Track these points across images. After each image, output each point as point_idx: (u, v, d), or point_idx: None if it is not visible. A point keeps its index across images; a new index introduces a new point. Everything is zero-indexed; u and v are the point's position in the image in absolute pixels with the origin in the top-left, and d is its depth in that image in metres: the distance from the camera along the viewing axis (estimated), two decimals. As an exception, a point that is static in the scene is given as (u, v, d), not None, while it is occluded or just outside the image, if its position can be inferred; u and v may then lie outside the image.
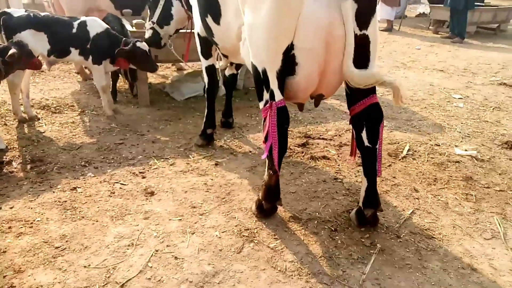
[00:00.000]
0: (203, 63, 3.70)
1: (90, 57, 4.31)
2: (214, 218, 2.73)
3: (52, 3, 5.89)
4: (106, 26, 4.37)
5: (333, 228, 2.66)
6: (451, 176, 3.40)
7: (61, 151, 3.76)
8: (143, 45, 4.28)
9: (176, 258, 2.35)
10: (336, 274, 2.29)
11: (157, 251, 2.40)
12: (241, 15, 2.46)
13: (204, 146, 3.86)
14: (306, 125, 4.44)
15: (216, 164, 3.51)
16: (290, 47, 2.16)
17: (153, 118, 4.61)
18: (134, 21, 4.71)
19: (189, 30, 4.49)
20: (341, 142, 3.97)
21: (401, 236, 2.64)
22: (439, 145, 3.97)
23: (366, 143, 2.43)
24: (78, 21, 4.26)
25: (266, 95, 2.33)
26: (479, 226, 2.79)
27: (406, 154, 3.75)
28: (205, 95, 3.83)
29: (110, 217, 2.71)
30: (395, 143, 3.98)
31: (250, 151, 3.81)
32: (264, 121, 2.39)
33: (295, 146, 3.87)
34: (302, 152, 3.75)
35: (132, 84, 5.13)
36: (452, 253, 2.50)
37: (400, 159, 3.67)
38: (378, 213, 2.65)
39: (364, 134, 2.43)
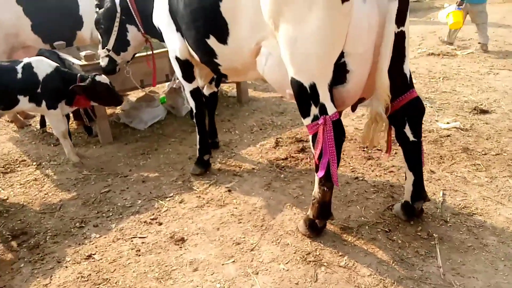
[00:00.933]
0: (187, 87, 3.42)
1: (43, 103, 3.76)
2: (268, 250, 2.54)
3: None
4: (55, 64, 3.86)
5: (386, 229, 2.63)
6: (451, 151, 3.56)
7: (42, 216, 3.24)
8: (103, 78, 3.85)
9: (257, 305, 2.13)
10: (417, 275, 2.26)
11: (229, 303, 2.16)
12: (260, 30, 2.29)
13: (203, 173, 3.59)
14: (291, 129, 4.36)
15: (229, 191, 3.28)
16: (341, 55, 2.05)
17: (126, 154, 4.19)
18: (83, 53, 4.20)
19: (149, 53, 4.15)
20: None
21: (448, 220, 2.70)
22: (423, 123, 4.14)
23: (412, 138, 2.43)
24: (21, 64, 3.70)
25: (314, 110, 2.19)
26: (502, 192, 2.96)
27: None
28: (194, 120, 3.55)
29: (156, 279, 2.38)
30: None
31: (253, 168, 3.63)
32: (315, 137, 2.25)
33: (295, 153, 3.78)
34: (306, 158, 3.67)
35: (87, 124, 4.60)
36: (498, 225, 2.61)
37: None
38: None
39: (407, 130, 2.42)
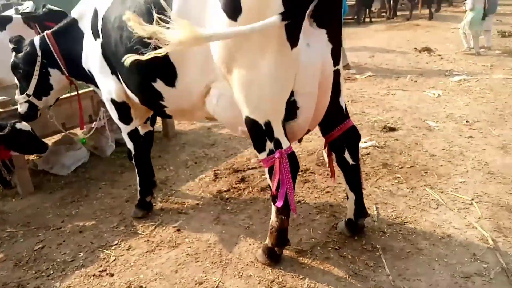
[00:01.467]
0: (124, 129, 3.36)
1: (-46, 157, 3.39)
2: (232, 285, 2.58)
3: None
4: (-34, 114, 3.51)
5: (336, 247, 2.86)
6: (373, 167, 3.98)
7: (-33, 286, 2.88)
8: (24, 125, 3.62)
9: None
10: (372, 285, 2.50)
11: None
12: (210, 73, 2.40)
13: (145, 216, 3.51)
14: (226, 160, 4.47)
15: (178, 230, 3.26)
16: (291, 94, 2.25)
17: (53, 204, 3.91)
18: (-2, 99, 3.88)
19: (73, 94, 3.98)
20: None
21: (385, 230, 3.02)
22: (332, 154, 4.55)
23: (351, 161, 2.70)
24: None
25: (270, 145, 2.34)
26: (423, 200, 3.40)
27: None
28: (133, 162, 3.48)
29: (124, 335, 2.28)
30: (312, 152, 4.39)
31: (197, 203, 3.65)
32: (271, 170, 2.40)
33: (237, 184, 3.89)
34: (248, 187, 3.80)
35: (7, 176, 4.20)
36: (426, 229, 3.00)
37: (326, 166, 4.08)
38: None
39: (347, 155, 2.69)
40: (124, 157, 4.85)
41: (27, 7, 13.95)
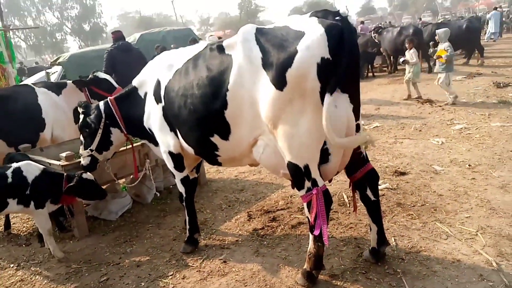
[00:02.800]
0: (178, 176, 3.99)
1: (32, 203, 4.00)
2: (279, 302, 3.09)
3: None
4: (42, 166, 4.17)
5: (363, 272, 3.37)
6: (389, 206, 4.53)
7: (49, 312, 3.40)
8: (89, 176, 4.25)
9: None
10: (396, 301, 2.99)
11: None
12: (257, 128, 3.06)
13: (193, 251, 4.05)
14: (256, 203, 5.05)
15: (224, 262, 3.78)
16: (324, 143, 2.90)
17: (109, 244, 4.47)
18: (64, 154, 4.56)
19: (124, 148, 4.66)
20: (298, 208, 4.73)
21: (404, 257, 3.53)
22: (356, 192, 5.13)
23: (372, 198, 3.29)
24: (11, 170, 3.97)
25: (307, 184, 2.95)
26: (434, 233, 3.92)
27: (350, 200, 4.76)
28: (184, 204, 4.07)
29: None
30: (334, 194, 4.96)
31: (237, 240, 4.19)
32: (309, 205, 2.99)
33: (269, 223, 4.44)
34: (280, 225, 4.35)
35: (70, 219, 4.80)
36: (439, 256, 3.51)
37: (347, 205, 4.65)
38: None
39: (369, 192, 3.28)
40: (163, 203, 5.48)
41: (56, 70, 15.19)
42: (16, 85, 7.68)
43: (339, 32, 2.71)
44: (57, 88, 5.72)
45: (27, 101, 5.28)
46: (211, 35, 15.69)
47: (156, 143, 4.14)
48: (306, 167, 2.91)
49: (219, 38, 13.37)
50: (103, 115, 4.18)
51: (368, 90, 12.72)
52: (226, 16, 73.33)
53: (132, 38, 15.39)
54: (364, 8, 70.41)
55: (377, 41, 15.34)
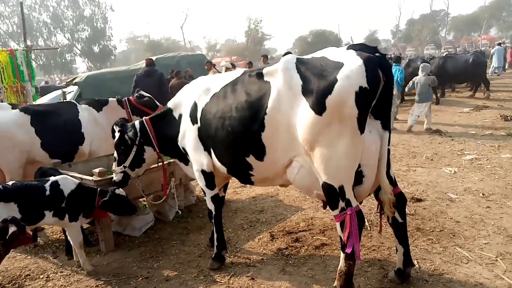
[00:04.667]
0: (209, 194, 4.16)
1: (67, 216, 4.16)
2: (310, 317, 3.21)
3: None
4: (77, 181, 4.35)
5: (390, 291, 3.49)
6: (408, 231, 4.61)
7: (84, 321, 3.50)
8: (121, 191, 4.41)
9: None
10: (424, 320, 3.11)
11: None
12: (293, 150, 3.26)
13: (220, 268, 4.17)
14: (277, 224, 5.19)
15: (252, 279, 3.91)
16: (358, 166, 3.10)
17: (135, 259, 4.59)
18: (97, 170, 4.74)
19: (153, 166, 4.85)
20: (320, 230, 4.87)
21: (427, 279, 3.66)
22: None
23: (400, 220, 3.45)
24: (49, 183, 4.14)
25: (341, 204, 3.12)
26: (455, 257, 4.05)
27: (370, 224, 4.90)
28: (213, 221, 4.23)
29: None
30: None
31: (262, 259, 4.32)
32: (342, 224, 3.15)
33: (293, 243, 4.57)
34: (303, 246, 4.49)
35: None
36: (461, 278, 3.64)
37: (368, 229, 4.78)
38: (408, 269, 3.62)
39: (396, 215, 3.45)
40: (184, 221, 5.62)
41: (72, 90, 15.54)
42: (60, 102, 8.27)
43: (376, 64, 2.96)
44: (98, 104, 6.04)
45: (69, 116, 5.63)
46: (225, 62, 16.10)
47: (186, 162, 4.34)
48: (341, 188, 3.09)
49: (232, 64, 13.80)
50: (138, 134, 4.39)
51: (377, 119, 12.95)
52: (233, 42, 74.88)
53: (146, 61, 15.84)
54: (368, 40, 71.83)
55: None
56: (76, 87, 14.87)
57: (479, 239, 4.41)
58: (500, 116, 11.42)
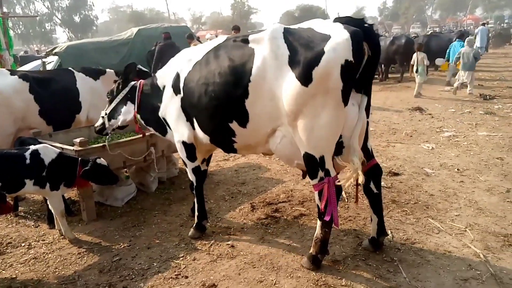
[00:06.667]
0: (190, 166, 4.20)
1: (47, 185, 4.16)
2: (287, 282, 3.35)
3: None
4: (58, 150, 4.34)
5: (363, 258, 3.65)
6: (384, 203, 4.75)
7: (66, 285, 3.59)
8: (103, 161, 4.42)
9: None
10: (393, 285, 3.29)
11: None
12: (276, 119, 3.30)
13: (200, 237, 4.27)
14: (258, 196, 5.30)
15: (232, 246, 4.02)
16: (340, 136, 3.18)
17: (117, 228, 4.65)
18: (78, 140, 4.72)
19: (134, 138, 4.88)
20: (299, 201, 5.00)
21: (400, 248, 3.83)
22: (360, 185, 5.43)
23: (375, 190, 3.58)
24: (29, 151, 4.12)
25: (321, 174, 3.21)
26: (427, 227, 4.23)
27: (347, 196, 5.05)
28: (194, 192, 4.29)
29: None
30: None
31: (242, 228, 4.43)
32: (320, 193, 3.26)
33: (272, 213, 4.69)
34: (282, 216, 4.61)
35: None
36: (431, 247, 3.82)
37: (345, 200, 4.93)
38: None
39: (372, 185, 3.57)
40: (166, 192, 5.68)
41: (53, 60, 15.18)
42: (57, 69, 8.19)
43: (361, 38, 3.00)
44: (95, 74, 6.04)
45: (67, 84, 5.64)
46: (210, 34, 15.86)
47: (163, 134, 4.36)
48: (322, 158, 3.18)
49: (217, 36, 13.60)
50: (128, 89, 4.43)
51: (360, 95, 13.09)
52: (218, 15, 73.44)
53: (129, 32, 15.47)
54: (354, 16, 71.31)
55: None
56: (56, 57, 14.49)
57: (451, 211, 4.60)
58: (480, 95, 11.67)
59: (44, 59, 14.99)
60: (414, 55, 12.40)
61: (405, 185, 5.38)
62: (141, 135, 4.87)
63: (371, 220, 3.73)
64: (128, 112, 4.50)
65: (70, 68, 6.23)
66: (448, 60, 13.54)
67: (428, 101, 11.38)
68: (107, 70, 6.26)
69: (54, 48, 15.03)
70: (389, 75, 16.67)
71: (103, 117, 4.58)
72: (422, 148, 7.12)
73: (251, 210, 4.86)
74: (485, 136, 7.70)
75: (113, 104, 4.50)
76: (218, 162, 6.92)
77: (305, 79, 3.03)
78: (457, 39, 13.92)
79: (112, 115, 4.55)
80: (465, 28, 34.67)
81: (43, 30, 54.67)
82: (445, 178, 5.63)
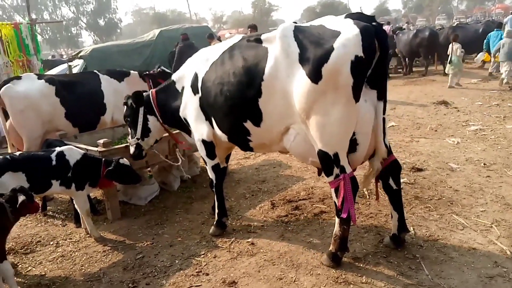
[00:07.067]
0: (209, 163, 4.25)
1: (73, 185, 4.29)
2: (306, 279, 3.35)
3: (7, 131, 5.54)
4: (83, 152, 4.47)
5: (384, 255, 3.61)
6: (407, 199, 4.74)
7: (92, 284, 3.69)
8: (125, 161, 4.52)
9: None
10: (415, 282, 3.23)
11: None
12: (289, 118, 3.31)
13: (221, 234, 4.31)
14: (278, 193, 5.30)
15: (252, 244, 4.04)
16: (353, 133, 3.15)
17: (141, 226, 4.75)
18: (101, 141, 4.85)
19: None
20: (319, 198, 4.98)
21: (422, 245, 3.76)
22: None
23: (394, 187, 3.53)
24: (55, 153, 4.25)
25: (336, 171, 3.19)
26: (451, 224, 4.14)
27: (369, 193, 4.99)
28: (214, 189, 4.34)
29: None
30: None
31: (262, 225, 4.45)
32: (336, 190, 3.24)
33: (292, 211, 4.69)
34: (303, 213, 4.61)
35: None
36: (455, 244, 3.73)
37: (366, 197, 4.88)
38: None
39: (391, 182, 3.52)
40: (188, 190, 5.76)
41: (78, 64, 15.60)
42: (82, 72, 8.46)
43: (372, 34, 2.97)
44: (119, 75, 6.21)
45: (92, 86, 5.82)
46: (230, 33, 15.95)
47: (189, 133, 4.42)
48: (336, 155, 3.16)
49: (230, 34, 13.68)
50: (143, 103, 4.47)
51: (383, 90, 12.88)
52: (239, 14, 73.68)
53: (151, 34, 15.74)
54: (378, 10, 70.08)
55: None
56: (81, 61, 14.89)
57: (476, 207, 4.48)
58: (509, 87, 11.28)
59: (70, 63, 15.45)
60: (450, 46, 12.38)
61: (429, 181, 5.27)
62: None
63: (392, 217, 3.68)
64: (154, 125, 4.56)
65: (95, 70, 6.40)
66: (488, 51, 13.40)
67: (454, 94, 11.09)
68: (131, 71, 6.41)
69: (80, 52, 15.45)
70: (414, 69, 16.33)
71: (136, 143, 4.57)
72: (447, 142, 6.95)
73: (271, 207, 4.88)
74: (514, 129, 7.45)
75: (139, 126, 4.49)
76: (239, 161, 6.97)
77: (315, 76, 3.02)
78: (496, 29, 13.81)
79: (143, 135, 4.56)
80: (493, 18, 33.48)
81: (69, 34, 56.14)
82: (470, 173, 5.48)
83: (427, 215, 4.34)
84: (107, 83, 5.99)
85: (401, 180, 5.03)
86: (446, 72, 12.65)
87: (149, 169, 6.14)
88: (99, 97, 5.85)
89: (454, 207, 4.50)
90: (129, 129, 4.66)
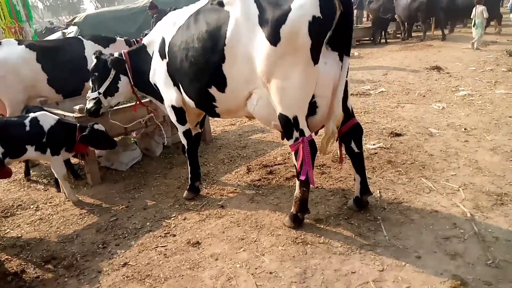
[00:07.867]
0: (181, 129, 4.29)
1: (48, 150, 4.36)
2: (266, 240, 3.45)
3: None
4: (57, 117, 4.52)
5: (346, 217, 3.69)
6: (379, 163, 4.79)
7: (64, 244, 3.82)
8: (100, 127, 4.58)
9: (270, 272, 3.02)
10: (372, 242, 3.32)
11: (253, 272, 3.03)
12: (252, 82, 3.31)
13: (194, 198, 4.41)
14: (256, 159, 5.36)
15: (221, 207, 4.14)
16: (312, 97, 3.15)
17: (119, 191, 4.86)
18: (77, 107, 4.89)
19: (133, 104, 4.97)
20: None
21: (385, 207, 3.83)
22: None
23: (356, 150, 3.55)
24: (29, 119, 4.30)
25: (296, 134, 3.22)
26: (419, 187, 4.19)
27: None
28: (186, 154, 4.41)
29: (189, 269, 3.17)
30: (329, 152, 5.24)
31: (235, 189, 4.53)
32: (296, 153, 3.28)
33: (266, 175, 4.76)
34: (275, 177, 4.68)
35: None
36: (418, 207, 3.79)
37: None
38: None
39: (353, 145, 3.55)
40: (170, 156, 5.84)
41: (72, 31, 15.46)
42: (66, 38, 8.36)
43: None
44: (105, 41, 6.15)
45: (75, 52, 5.79)
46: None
47: (161, 100, 4.43)
48: (295, 118, 3.18)
49: None
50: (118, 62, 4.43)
51: (379, 56, 12.70)
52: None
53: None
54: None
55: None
56: (75, 28, 14.76)
57: (448, 171, 4.51)
58: (506, 51, 11.05)
59: (64, 30, 15.30)
60: (474, 9, 12.22)
61: (405, 146, 5.29)
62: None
63: (355, 179, 3.73)
64: (124, 86, 4.50)
65: (79, 35, 6.36)
66: None
67: (449, 60, 10.91)
68: (117, 38, 6.34)
69: (74, 19, 15.29)
70: (413, 34, 15.99)
71: (97, 97, 4.48)
72: (432, 108, 6.91)
73: (247, 172, 4.95)
74: (503, 94, 7.37)
75: (106, 82, 4.43)
76: (224, 127, 7.01)
77: (274, 38, 2.99)
78: None
79: (107, 93, 4.50)
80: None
81: (70, 1, 55.31)
82: (449, 138, 5.48)
83: (396, 178, 4.39)
84: (91, 49, 5.88)
85: (377, 145, 5.12)
86: (473, 36, 12.32)
87: (133, 135, 6.22)
88: (83, 63, 5.78)
89: (426, 171, 4.54)
90: (90, 82, 4.59)
